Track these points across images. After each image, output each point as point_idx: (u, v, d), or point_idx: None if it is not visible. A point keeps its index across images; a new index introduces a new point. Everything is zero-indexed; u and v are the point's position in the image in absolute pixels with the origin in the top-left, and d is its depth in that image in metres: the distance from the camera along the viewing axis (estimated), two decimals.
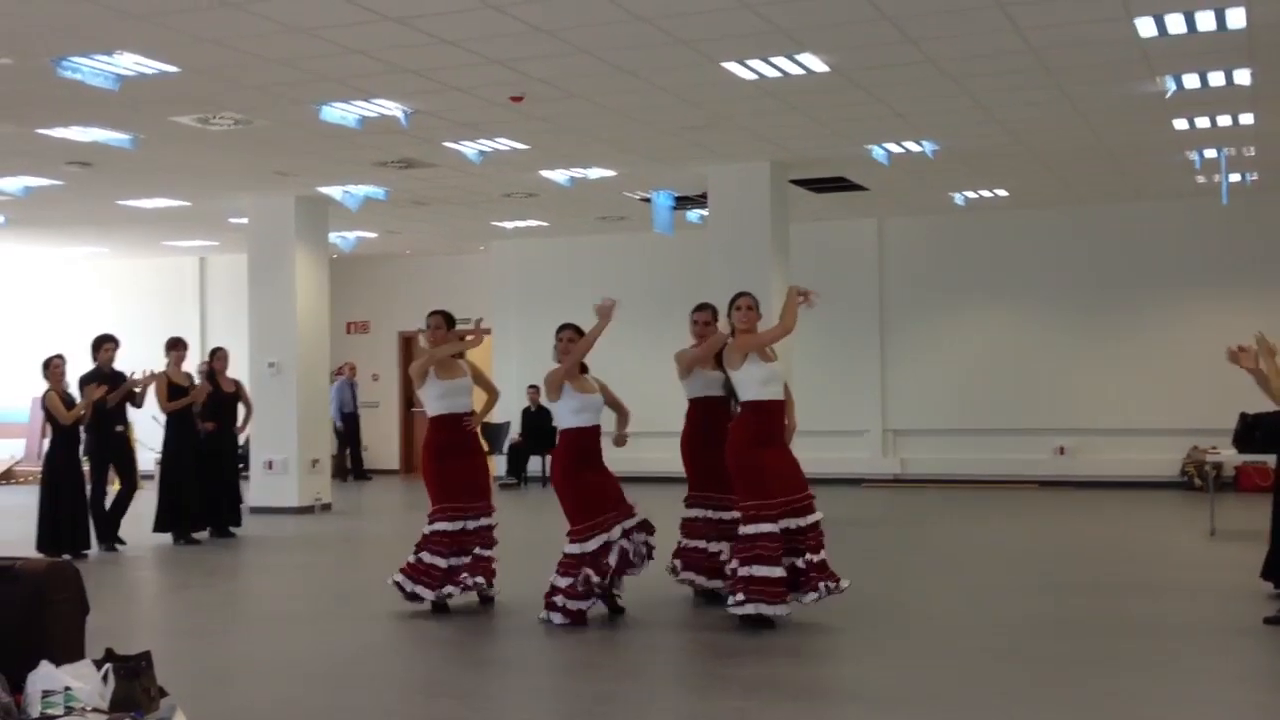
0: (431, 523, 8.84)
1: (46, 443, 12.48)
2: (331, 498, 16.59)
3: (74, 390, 12.48)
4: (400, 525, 16.07)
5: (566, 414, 8.42)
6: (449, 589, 8.76)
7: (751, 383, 8.11)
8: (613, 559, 8.30)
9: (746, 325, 8.25)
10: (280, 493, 16.00)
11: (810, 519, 8.07)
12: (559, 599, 8.29)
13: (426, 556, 8.77)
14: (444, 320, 9.07)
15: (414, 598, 8.78)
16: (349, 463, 21.63)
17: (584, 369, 8.65)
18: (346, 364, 21.88)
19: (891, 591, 9.59)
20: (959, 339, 18.54)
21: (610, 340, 8.52)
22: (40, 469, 12.91)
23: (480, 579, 8.85)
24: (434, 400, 8.93)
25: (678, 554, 9.20)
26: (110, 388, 12.40)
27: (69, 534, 11.98)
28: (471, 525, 8.87)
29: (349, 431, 21.62)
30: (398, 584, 8.81)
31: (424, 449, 9.10)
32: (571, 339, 8.50)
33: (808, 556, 8.03)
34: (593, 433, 8.52)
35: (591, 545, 8.25)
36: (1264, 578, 8.59)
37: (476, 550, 8.87)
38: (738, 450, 8.12)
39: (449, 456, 8.90)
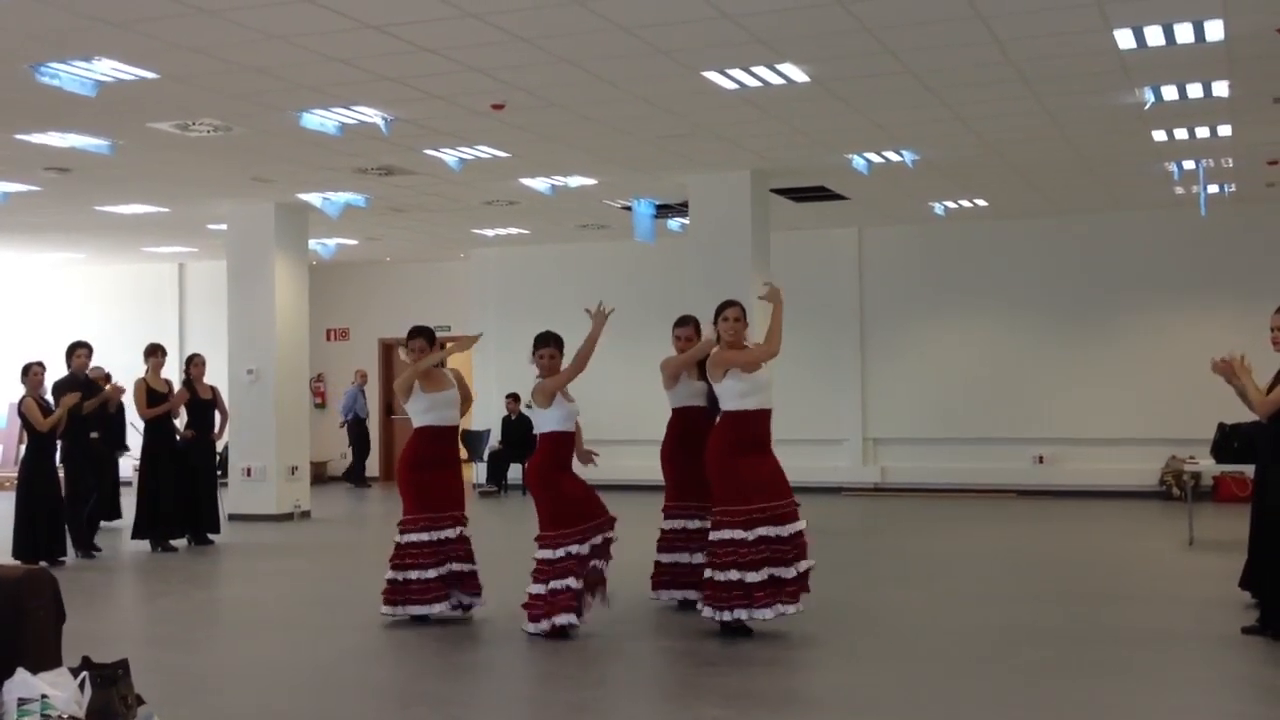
0: (404, 534, 8.80)
1: (23, 449, 12.42)
2: (311, 505, 16.53)
3: (49, 397, 12.42)
4: (380, 533, 15.99)
5: (555, 419, 8.38)
6: (439, 607, 8.71)
7: (731, 395, 8.09)
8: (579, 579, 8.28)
9: (733, 337, 8.20)
10: (259, 500, 15.95)
11: (791, 528, 8.02)
12: (540, 608, 8.25)
13: (413, 574, 8.68)
14: (426, 342, 9.00)
15: (412, 618, 8.75)
16: (362, 469, 21.77)
17: None
18: (358, 371, 21.92)
19: (870, 600, 9.60)
20: (939, 348, 18.58)
21: None
22: (16, 475, 12.83)
23: (474, 598, 8.94)
24: (420, 413, 8.88)
25: (655, 576, 9.17)
26: (84, 395, 12.36)
27: (45, 541, 11.91)
28: (451, 534, 8.85)
29: (360, 437, 21.73)
30: (386, 614, 8.76)
31: (402, 458, 9.04)
32: (553, 355, 8.39)
33: (798, 565, 7.98)
34: (572, 439, 8.51)
35: (559, 553, 8.21)
36: (1242, 587, 8.62)
37: (454, 566, 8.83)
38: (715, 457, 8.11)
39: (429, 468, 8.85)
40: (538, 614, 8.21)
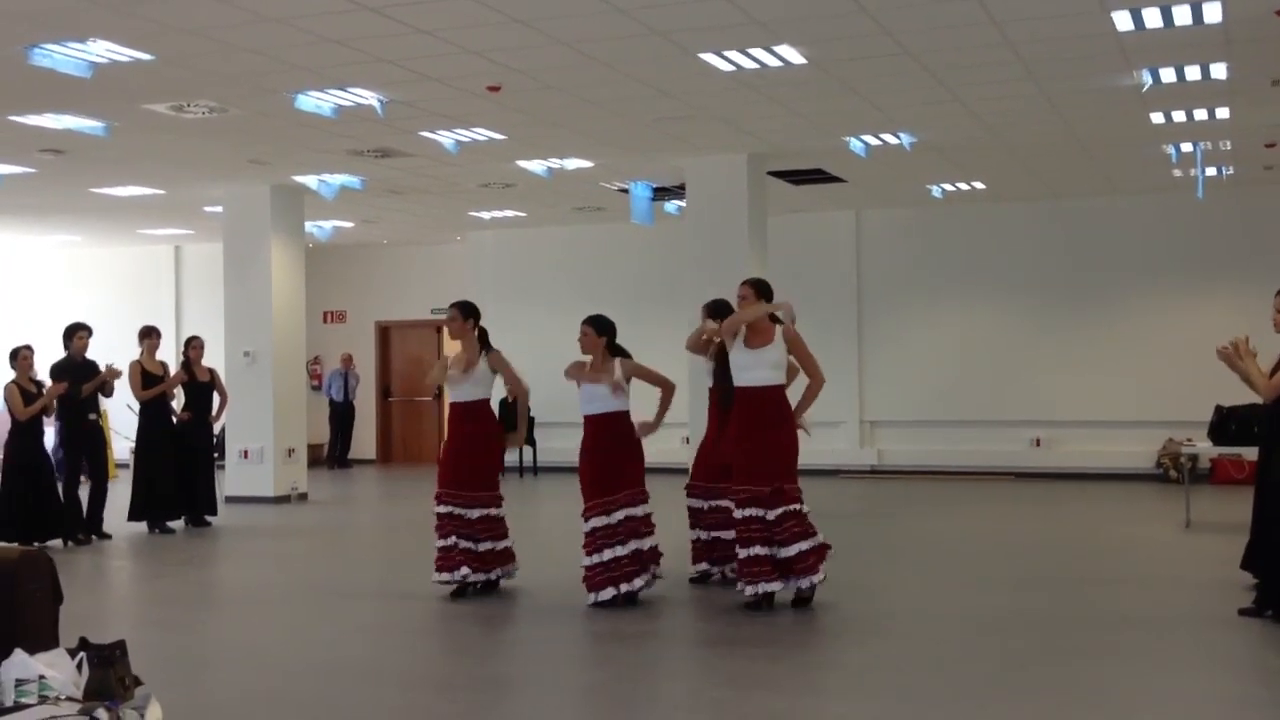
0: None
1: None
2: (308, 487, 16.54)
3: (46, 378, 12.37)
4: (377, 515, 16.10)
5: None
6: (462, 573, 8.86)
7: (734, 369, 8.62)
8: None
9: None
10: (256, 482, 15.96)
11: (774, 512, 8.26)
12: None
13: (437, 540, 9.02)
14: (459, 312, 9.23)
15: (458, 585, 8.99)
16: (337, 450, 21.96)
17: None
18: (344, 354, 22.01)
19: (866, 583, 9.61)
20: (936, 331, 18.58)
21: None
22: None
23: (501, 570, 9.14)
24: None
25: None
26: (80, 378, 12.31)
27: (38, 522, 11.85)
28: (475, 514, 8.92)
29: (335, 419, 21.90)
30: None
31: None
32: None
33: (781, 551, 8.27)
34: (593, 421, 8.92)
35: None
36: (1244, 567, 8.62)
37: (486, 545, 9.01)
38: (733, 437, 8.50)
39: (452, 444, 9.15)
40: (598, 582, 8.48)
